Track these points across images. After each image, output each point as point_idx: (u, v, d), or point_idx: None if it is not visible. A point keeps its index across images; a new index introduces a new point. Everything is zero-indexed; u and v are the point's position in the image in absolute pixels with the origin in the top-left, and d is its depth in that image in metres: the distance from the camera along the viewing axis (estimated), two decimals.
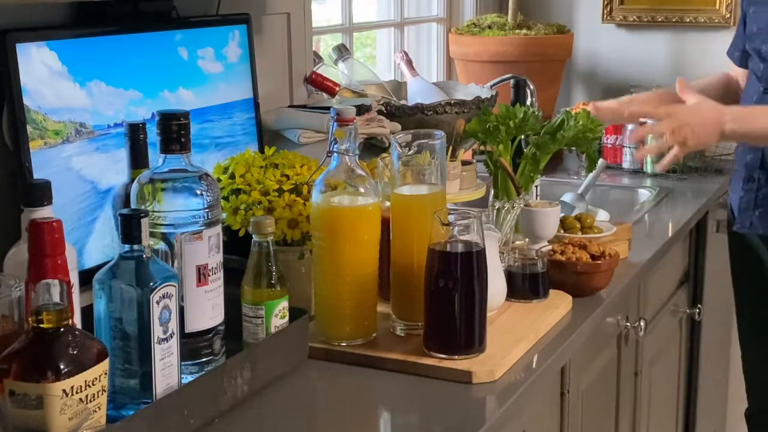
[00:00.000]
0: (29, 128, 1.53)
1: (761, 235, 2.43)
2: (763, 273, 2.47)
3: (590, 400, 1.91)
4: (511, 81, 2.82)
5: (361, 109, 2.11)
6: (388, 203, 1.64)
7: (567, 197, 2.46)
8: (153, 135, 1.40)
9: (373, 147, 2.16)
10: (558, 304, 1.75)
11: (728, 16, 3.23)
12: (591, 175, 2.49)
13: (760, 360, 2.58)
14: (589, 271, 1.83)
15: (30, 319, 1.13)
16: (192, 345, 1.37)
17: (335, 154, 1.54)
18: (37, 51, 1.55)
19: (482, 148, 2.03)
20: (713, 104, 2.15)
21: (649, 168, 2.93)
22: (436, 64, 3.34)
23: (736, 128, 2.13)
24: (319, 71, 2.34)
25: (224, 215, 1.61)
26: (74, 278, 1.27)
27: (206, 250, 1.36)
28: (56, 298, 1.13)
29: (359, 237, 1.55)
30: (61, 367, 1.10)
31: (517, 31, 3.16)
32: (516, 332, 1.61)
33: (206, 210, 1.36)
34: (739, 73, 2.53)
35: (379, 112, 2.21)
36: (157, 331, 1.25)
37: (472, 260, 1.50)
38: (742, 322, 2.62)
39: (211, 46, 1.92)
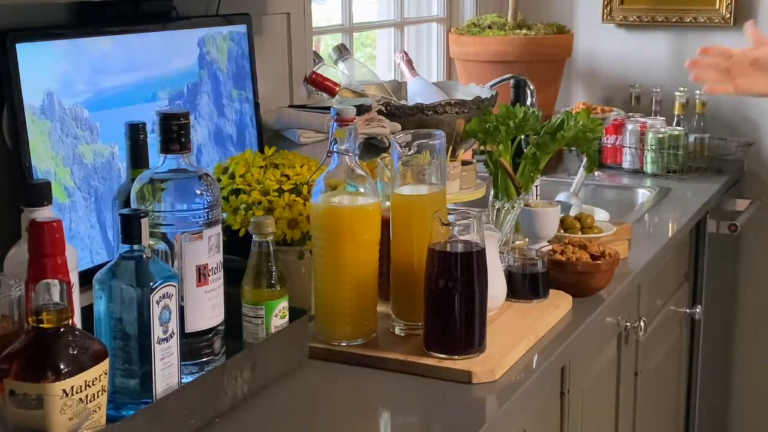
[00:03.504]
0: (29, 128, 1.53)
1: None
2: None
3: (590, 400, 1.91)
4: (511, 81, 2.82)
5: (361, 109, 2.11)
6: (388, 203, 1.64)
7: (562, 196, 2.46)
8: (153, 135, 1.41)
9: (373, 147, 2.16)
10: (558, 304, 1.75)
11: (728, 16, 3.22)
12: (579, 172, 2.51)
13: None
14: (589, 271, 1.83)
15: (30, 319, 1.12)
16: (192, 345, 1.37)
17: (335, 154, 1.54)
18: (37, 51, 1.55)
19: (482, 148, 2.03)
20: None
21: (649, 168, 2.94)
22: (436, 64, 3.34)
23: None
24: (319, 71, 2.34)
25: (224, 215, 1.61)
26: (74, 278, 1.27)
27: (206, 250, 1.36)
28: (56, 298, 1.13)
29: (359, 237, 1.55)
30: (61, 367, 1.10)
31: (517, 31, 3.16)
32: (516, 332, 1.61)
33: (206, 210, 1.36)
34: None
35: (379, 112, 2.21)
36: (157, 331, 1.25)
37: (472, 260, 1.50)
38: None
39: (211, 46, 1.92)
